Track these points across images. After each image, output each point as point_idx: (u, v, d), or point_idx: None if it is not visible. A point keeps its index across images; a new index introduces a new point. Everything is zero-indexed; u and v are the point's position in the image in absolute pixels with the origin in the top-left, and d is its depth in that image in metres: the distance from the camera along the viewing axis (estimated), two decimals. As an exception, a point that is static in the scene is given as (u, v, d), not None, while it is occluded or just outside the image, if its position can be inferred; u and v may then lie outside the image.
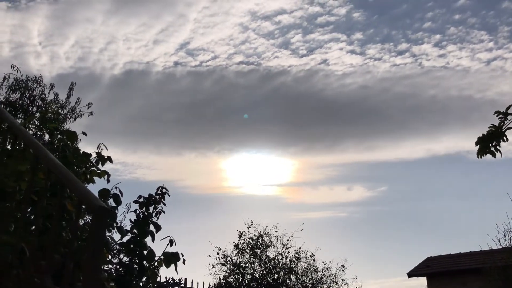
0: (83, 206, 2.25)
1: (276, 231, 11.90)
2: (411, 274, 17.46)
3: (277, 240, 11.82)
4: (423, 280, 16.93)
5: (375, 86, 21.12)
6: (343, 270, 11.78)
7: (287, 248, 11.77)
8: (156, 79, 20.91)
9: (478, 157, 4.67)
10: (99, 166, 3.75)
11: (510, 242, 11.61)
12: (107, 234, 3.41)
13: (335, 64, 21.07)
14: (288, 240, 11.81)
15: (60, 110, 9.62)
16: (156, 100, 20.50)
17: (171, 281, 9.23)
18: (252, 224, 11.95)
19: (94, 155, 3.73)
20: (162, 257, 3.55)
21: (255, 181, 24.49)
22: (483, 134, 4.61)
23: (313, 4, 20.55)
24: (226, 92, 21.48)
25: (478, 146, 4.67)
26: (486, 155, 4.57)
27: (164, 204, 3.79)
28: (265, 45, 21.23)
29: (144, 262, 3.54)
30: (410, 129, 22.13)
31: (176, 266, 3.54)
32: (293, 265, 11.56)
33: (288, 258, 11.65)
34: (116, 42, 20.38)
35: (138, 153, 22.31)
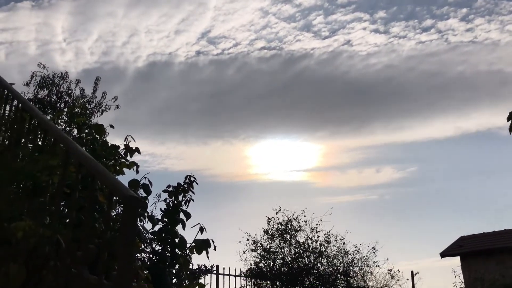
0: (114, 197, 2.29)
1: (304, 216, 11.91)
2: (444, 254, 17.24)
3: (306, 225, 11.84)
4: (456, 260, 16.70)
5: (401, 65, 20.71)
6: (374, 252, 11.73)
7: (316, 232, 11.77)
8: (179, 70, 21.04)
9: (510, 133, 4.54)
10: (128, 157, 3.81)
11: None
12: (139, 223, 3.48)
13: (359, 45, 20.73)
14: (317, 225, 11.81)
15: (87, 105, 9.79)
16: (180, 90, 20.66)
17: (203, 268, 9.37)
18: (280, 210, 11.99)
19: (122, 147, 3.79)
20: (193, 244, 3.59)
21: (282, 167, 24.51)
22: (515, 109, 4.47)
23: (334, -16, 20.22)
24: (249, 79, 21.45)
25: (510, 121, 4.54)
26: (518, 130, 4.44)
27: (193, 193, 3.83)
28: (286, 29, 21.03)
29: (176, 250, 3.60)
30: (439, 107, 21.64)
31: (207, 252, 3.58)
32: (323, 249, 11.57)
33: (318, 242, 11.66)
34: (138, 34, 20.56)
35: (165, 144, 22.61)
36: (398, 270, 11.76)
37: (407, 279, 11.55)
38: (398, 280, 11.67)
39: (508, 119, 4.51)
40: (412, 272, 11.48)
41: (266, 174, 25.08)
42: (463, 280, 13.88)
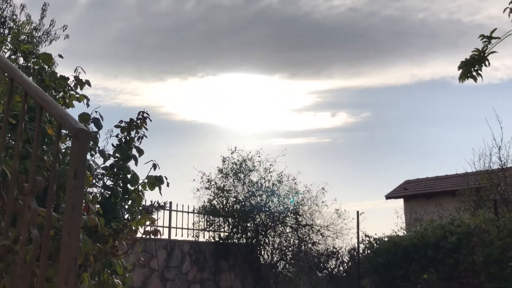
0: (63, 130, 2.23)
1: (259, 157, 12.11)
2: (388, 196, 18.20)
3: (260, 165, 12.07)
4: (400, 202, 17.71)
5: (364, 9, 20.58)
6: (323, 193, 12.19)
7: (269, 173, 12.05)
8: (135, 0, 20.02)
9: (459, 81, 4.69)
10: (78, 90, 3.67)
11: (484, 165, 12.06)
12: (90, 158, 3.42)
13: (323, -16, 20.33)
14: (270, 165, 12.07)
15: (33, 33, 9.24)
16: (136, 22, 19.75)
17: (156, 204, 9.46)
18: (235, 150, 12.12)
19: (72, 79, 3.64)
20: (146, 180, 3.59)
21: (240, 107, 24.47)
22: (466, 59, 4.60)
23: None
24: (210, 13, 20.74)
25: (461, 71, 4.68)
26: (467, 79, 4.60)
27: (146, 129, 3.77)
28: (248, -36, 20.26)
29: (128, 185, 3.59)
30: (397, 54, 21.93)
31: (160, 189, 3.60)
32: (275, 188, 11.91)
33: (271, 182, 11.97)
34: (90, -40, 19.22)
35: (119, 78, 21.90)
36: (345, 210, 12.35)
37: (353, 219, 12.17)
38: (344, 219, 12.27)
39: (459, 68, 4.64)
40: (357, 212, 12.08)
41: (223, 114, 25.01)
42: (404, 221, 14.78)
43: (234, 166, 11.99)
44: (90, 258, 2.66)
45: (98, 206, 3.03)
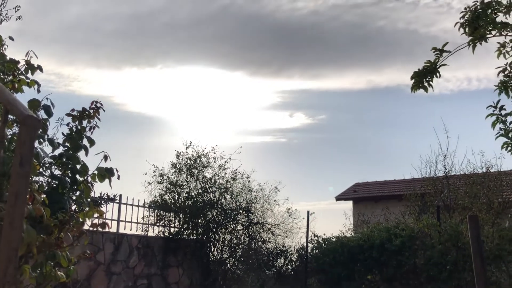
0: (10, 116, 2.14)
1: (214, 153, 12.06)
2: (339, 198, 18.63)
3: (214, 162, 12.03)
4: (349, 204, 18.17)
5: (326, 13, 20.93)
6: (276, 192, 12.30)
7: (224, 170, 12.03)
8: (95, -15, 19.44)
9: (412, 91, 4.88)
10: (29, 75, 3.53)
11: (430, 172, 12.57)
12: (38, 146, 3.30)
13: (289, -15, 20.50)
14: (225, 162, 12.05)
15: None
16: (94, 7, 19.15)
17: (106, 196, 9.25)
18: (190, 145, 12.01)
19: (22, 62, 3.50)
20: (96, 171, 3.51)
21: (198, 102, 24.30)
22: (418, 69, 4.78)
23: None
24: (173, 4, 20.46)
25: (413, 81, 4.86)
26: (419, 89, 4.79)
27: (99, 119, 3.68)
28: (215, -42, 20.14)
29: (77, 176, 3.49)
30: (355, 59, 22.46)
31: (110, 181, 3.53)
32: (228, 185, 11.90)
33: (225, 179, 11.95)
34: None
35: (74, 65, 21.21)
36: (296, 209, 12.52)
37: (303, 218, 12.37)
38: (295, 218, 12.44)
39: (412, 78, 4.82)
40: (308, 212, 12.29)
41: (181, 107, 24.75)
42: (352, 222, 15.18)
43: (188, 162, 11.89)
44: (33, 249, 2.57)
45: (44, 196, 2.94)
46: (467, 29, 4.54)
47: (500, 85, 4.65)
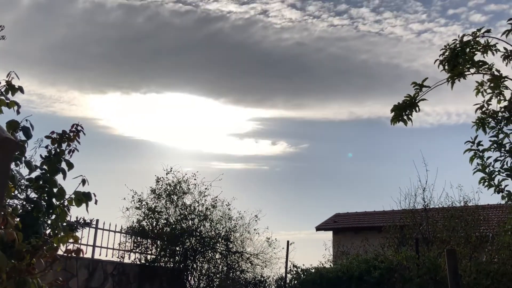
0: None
1: (195, 179, 11.98)
2: (319, 228, 18.59)
3: (195, 188, 11.93)
4: (329, 234, 18.13)
5: (311, 44, 21.34)
6: (256, 220, 12.22)
7: (204, 196, 11.93)
8: (83, 8, 19.52)
9: (391, 124, 4.95)
10: (9, 96, 3.48)
11: (409, 205, 12.65)
12: (14, 168, 3.23)
13: (275, 17, 20.94)
14: (206, 189, 11.96)
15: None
16: (81, 30, 19.19)
17: (82, 221, 9.05)
18: (171, 171, 11.91)
19: (3, 83, 3.45)
20: (73, 196, 3.44)
21: (181, 127, 24.24)
22: (398, 103, 4.87)
23: (257, -49, 20.02)
24: (160, 31, 20.62)
25: (393, 114, 4.95)
26: (398, 122, 4.86)
27: (79, 143, 3.63)
28: (205, -13, 20.47)
29: (54, 199, 3.42)
30: (338, 90, 22.85)
31: (87, 206, 3.46)
32: (208, 213, 11.78)
33: (204, 206, 11.84)
34: (39, -39, 18.60)
35: (56, 86, 21.05)
36: (275, 238, 12.42)
37: (283, 248, 12.25)
38: (274, 248, 12.33)
39: (392, 111, 4.91)
40: (288, 241, 12.19)
41: (163, 132, 24.66)
42: (332, 253, 15.10)
43: (168, 187, 11.77)
44: (3, 275, 2.48)
45: (18, 219, 2.86)
46: (446, 66, 4.66)
47: (477, 121, 4.76)
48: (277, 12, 21.12)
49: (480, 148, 4.79)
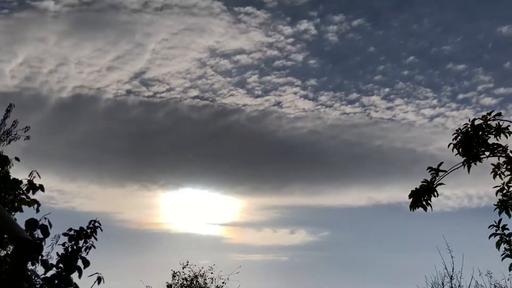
0: (5, 236, 2.12)
1: (212, 273, 11.66)
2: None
3: (212, 282, 11.56)
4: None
5: (325, 132, 21.78)
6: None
7: (222, 291, 11.52)
8: (106, 106, 20.49)
9: (411, 210, 4.86)
10: (30, 194, 3.56)
11: (438, 294, 11.96)
12: (30, 267, 3.20)
13: (288, 107, 21.65)
14: (223, 283, 11.59)
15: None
16: (103, 127, 20.00)
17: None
18: (187, 264, 11.66)
19: (25, 182, 3.55)
20: (88, 295, 3.37)
21: (198, 219, 24.12)
22: (416, 188, 4.82)
23: (272, 48, 21.23)
24: (178, 125, 21.35)
25: (411, 199, 4.87)
26: (418, 208, 4.78)
27: (96, 239, 3.63)
28: (221, 82, 21.52)
29: (68, 299, 3.34)
30: (355, 176, 22.81)
31: (102, 304, 3.36)
32: (226, 308, 11.30)
33: (222, 301, 11.39)
34: (67, 64, 19.90)
35: (77, 182, 21.47)
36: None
37: None
38: None
39: (410, 196, 4.84)
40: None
41: (181, 224, 24.50)
42: None
43: (185, 282, 11.44)
44: None
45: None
46: (460, 150, 4.66)
47: (499, 204, 4.65)
48: (290, 103, 21.90)
49: (506, 232, 4.63)
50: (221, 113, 21.36)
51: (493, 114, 4.60)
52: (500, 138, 4.57)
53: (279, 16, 21.76)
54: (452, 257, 11.62)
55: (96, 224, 3.66)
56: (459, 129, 4.75)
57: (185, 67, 21.71)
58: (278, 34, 21.39)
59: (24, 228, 2.75)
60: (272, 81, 22.50)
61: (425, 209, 4.68)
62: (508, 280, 11.34)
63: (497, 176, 4.68)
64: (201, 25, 20.85)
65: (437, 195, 4.65)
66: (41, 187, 3.50)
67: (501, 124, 4.59)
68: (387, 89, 22.84)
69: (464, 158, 4.59)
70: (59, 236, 3.67)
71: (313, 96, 22.62)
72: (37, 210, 3.43)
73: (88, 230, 3.61)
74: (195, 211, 23.82)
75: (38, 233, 3.38)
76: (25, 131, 9.59)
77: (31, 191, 3.56)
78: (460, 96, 23.14)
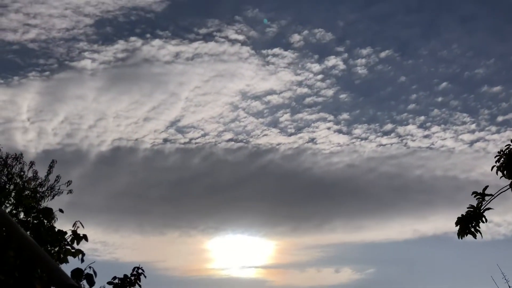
0: (53, 286, 2.15)
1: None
2: None
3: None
4: None
5: (362, 165, 21.48)
6: None
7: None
8: (144, 156, 21.01)
9: (459, 238, 4.66)
10: (74, 244, 3.63)
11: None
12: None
13: (323, 143, 21.58)
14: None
15: (38, 188, 9.48)
16: (142, 177, 20.44)
17: None
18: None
19: (69, 233, 3.63)
20: None
21: (240, 262, 23.86)
22: (462, 215, 4.64)
23: (302, 86, 21.48)
24: (214, 169, 21.58)
25: (458, 227, 4.68)
26: (466, 235, 4.58)
27: (140, 286, 3.63)
28: (254, 124, 21.78)
29: None
30: (398, 208, 22.21)
31: None
32: None
33: None
34: (106, 119, 20.67)
35: (119, 232, 21.79)
36: None
37: None
38: None
39: (456, 224, 4.66)
40: None
41: (223, 269, 24.28)
42: None
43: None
44: None
45: None
46: (505, 172, 4.50)
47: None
48: (324, 138, 21.85)
49: None
50: (256, 153, 21.51)
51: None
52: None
53: (307, 55, 22.12)
54: (509, 286, 10.97)
55: (140, 271, 3.68)
56: (501, 150, 4.61)
57: (218, 111, 22.19)
58: (307, 72, 21.69)
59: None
60: (304, 118, 22.62)
61: (474, 236, 4.49)
62: None
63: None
64: (231, 70, 21.42)
65: (486, 220, 4.46)
66: (85, 237, 3.57)
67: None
68: (422, 117, 22.52)
69: (511, 180, 4.42)
70: (104, 286, 3.70)
71: (347, 130, 22.53)
72: (82, 260, 3.49)
73: (132, 278, 3.63)
74: (237, 254, 23.61)
75: (84, 284, 3.42)
76: (67, 185, 9.91)
77: (75, 242, 3.63)
78: (500, 119, 22.53)
